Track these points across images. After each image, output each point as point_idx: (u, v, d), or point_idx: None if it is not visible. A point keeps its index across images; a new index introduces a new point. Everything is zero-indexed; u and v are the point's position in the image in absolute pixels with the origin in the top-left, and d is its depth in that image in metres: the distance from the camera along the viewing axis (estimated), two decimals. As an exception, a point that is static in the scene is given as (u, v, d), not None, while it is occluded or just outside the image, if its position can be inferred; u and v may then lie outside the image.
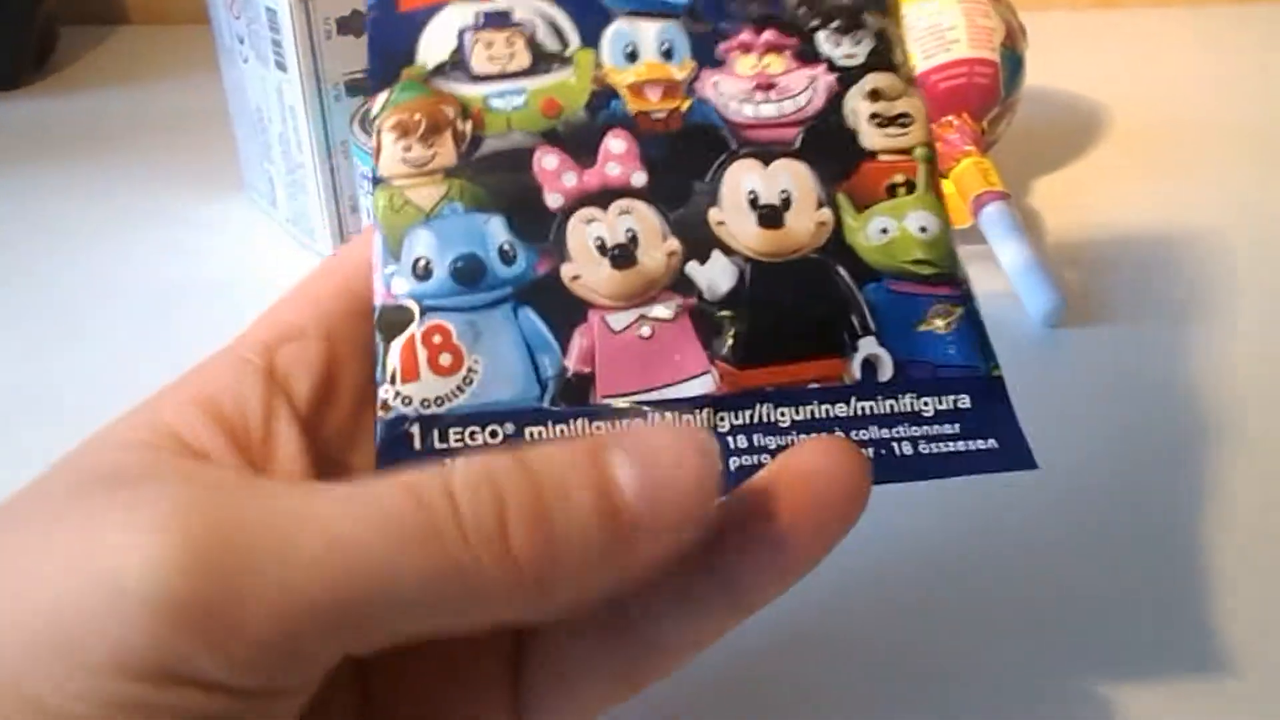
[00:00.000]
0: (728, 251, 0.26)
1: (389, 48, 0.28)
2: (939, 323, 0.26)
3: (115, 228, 0.61)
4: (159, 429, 0.22)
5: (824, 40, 0.28)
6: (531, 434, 0.24)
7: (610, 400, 0.25)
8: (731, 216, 0.27)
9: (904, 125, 0.28)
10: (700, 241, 0.26)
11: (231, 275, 0.56)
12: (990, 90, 0.56)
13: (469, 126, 0.27)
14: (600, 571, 0.20)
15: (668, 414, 0.25)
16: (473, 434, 0.24)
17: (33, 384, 0.48)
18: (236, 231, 0.61)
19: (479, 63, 0.28)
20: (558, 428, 0.24)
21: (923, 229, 0.27)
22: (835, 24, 0.28)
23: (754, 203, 0.27)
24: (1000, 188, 0.54)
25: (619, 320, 0.25)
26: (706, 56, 0.28)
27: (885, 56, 0.29)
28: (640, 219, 0.26)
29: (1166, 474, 0.41)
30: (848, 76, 0.28)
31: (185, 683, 0.18)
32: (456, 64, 0.28)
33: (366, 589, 0.19)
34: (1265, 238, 0.56)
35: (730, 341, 0.25)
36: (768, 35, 0.28)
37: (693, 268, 0.26)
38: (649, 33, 0.28)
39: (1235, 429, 0.43)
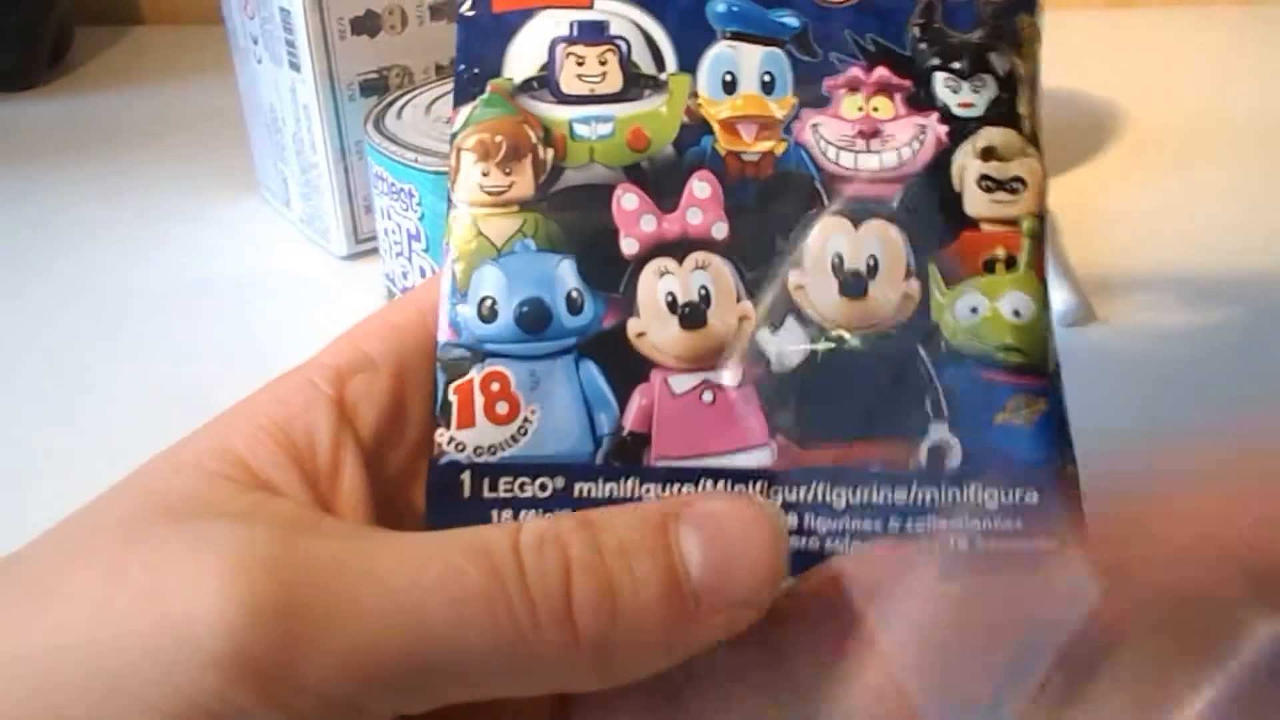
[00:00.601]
0: (803, 321, 0.24)
1: (478, 53, 0.26)
2: (1018, 415, 0.24)
3: (129, 227, 0.61)
4: (227, 457, 0.22)
5: (941, 83, 0.25)
6: (580, 490, 0.23)
7: (664, 462, 0.24)
8: (812, 281, 0.24)
9: (1015, 191, 0.25)
10: (775, 306, 0.24)
11: (245, 275, 0.56)
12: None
13: (550, 155, 0.25)
14: (658, 647, 0.20)
15: (729, 485, 0.23)
16: (522, 485, 0.23)
17: (48, 382, 0.48)
18: (250, 231, 0.60)
19: (568, 81, 0.25)
20: (608, 486, 0.23)
21: (1016, 312, 0.24)
22: (957, 65, 0.25)
23: (838, 267, 0.24)
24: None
25: (681, 383, 0.24)
26: (810, 92, 0.25)
27: (1008, 107, 0.25)
28: (716, 275, 0.24)
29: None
30: (961, 129, 0.25)
31: None
32: (544, 80, 0.26)
33: (429, 650, 0.18)
34: None
35: (794, 417, 0.24)
36: (880, 73, 0.25)
37: (764, 335, 0.24)
38: (752, 59, 0.26)
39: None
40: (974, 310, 0.24)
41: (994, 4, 0.26)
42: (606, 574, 0.19)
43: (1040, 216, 0.25)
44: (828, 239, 0.25)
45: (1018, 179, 0.25)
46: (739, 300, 0.24)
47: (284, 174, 0.58)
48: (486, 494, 0.23)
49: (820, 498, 0.24)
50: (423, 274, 0.47)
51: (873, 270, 0.24)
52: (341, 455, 0.23)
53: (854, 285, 0.24)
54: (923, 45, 0.26)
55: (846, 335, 0.24)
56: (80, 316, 0.53)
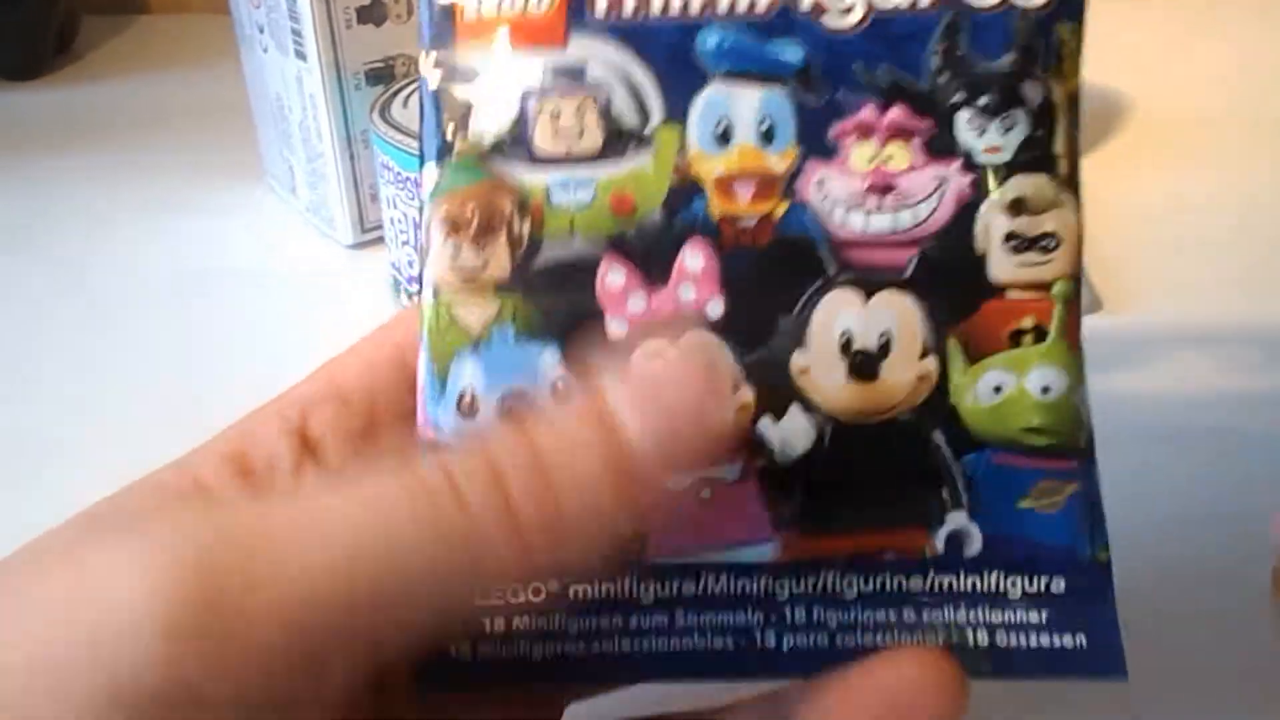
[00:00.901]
0: (808, 407, 0.22)
1: (444, 103, 0.23)
2: (1045, 500, 0.22)
3: (135, 216, 0.60)
4: (187, 482, 0.22)
5: (965, 124, 0.22)
6: (576, 591, 0.22)
7: (660, 560, 0.22)
8: (818, 363, 0.22)
9: (1047, 250, 0.22)
10: (778, 392, 0.22)
11: (251, 264, 0.56)
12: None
13: (526, 227, 0.22)
14: (611, 521, 0.19)
15: (733, 579, 0.22)
16: (515, 591, 0.22)
17: (53, 372, 0.48)
18: (256, 220, 0.60)
19: (543, 139, 0.23)
20: (605, 586, 0.22)
21: (1045, 389, 0.22)
22: (983, 100, 0.22)
23: (846, 347, 0.22)
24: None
25: (675, 480, 0.22)
26: (815, 141, 0.22)
27: (1041, 147, 0.22)
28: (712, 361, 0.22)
29: (1191, 466, 0.40)
30: (987, 178, 0.22)
31: (182, 709, 0.17)
32: (517, 139, 0.23)
33: (370, 578, 0.18)
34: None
35: (799, 510, 0.22)
36: (895, 114, 0.22)
37: (765, 424, 0.22)
38: (749, 104, 0.22)
39: (1261, 421, 0.42)
40: (998, 389, 0.22)
41: (1031, 14, 0.22)
42: (547, 474, 0.19)
43: (1077, 279, 0.22)
44: (835, 315, 0.22)
45: (1050, 235, 0.22)
46: (737, 388, 0.22)
47: (290, 163, 0.58)
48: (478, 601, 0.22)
49: (830, 588, 0.22)
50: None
51: (885, 349, 0.22)
52: (302, 482, 0.22)
53: (864, 367, 0.22)
54: (943, 77, 0.22)
55: (856, 424, 0.22)
56: (85, 304, 0.53)
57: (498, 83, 0.23)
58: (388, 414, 0.24)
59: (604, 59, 0.23)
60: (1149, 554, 0.36)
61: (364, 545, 0.18)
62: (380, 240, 0.54)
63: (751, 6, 0.22)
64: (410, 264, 0.48)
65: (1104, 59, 0.74)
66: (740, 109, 0.22)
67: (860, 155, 0.22)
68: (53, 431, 0.44)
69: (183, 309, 0.52)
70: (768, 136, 0.22)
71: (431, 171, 0.23)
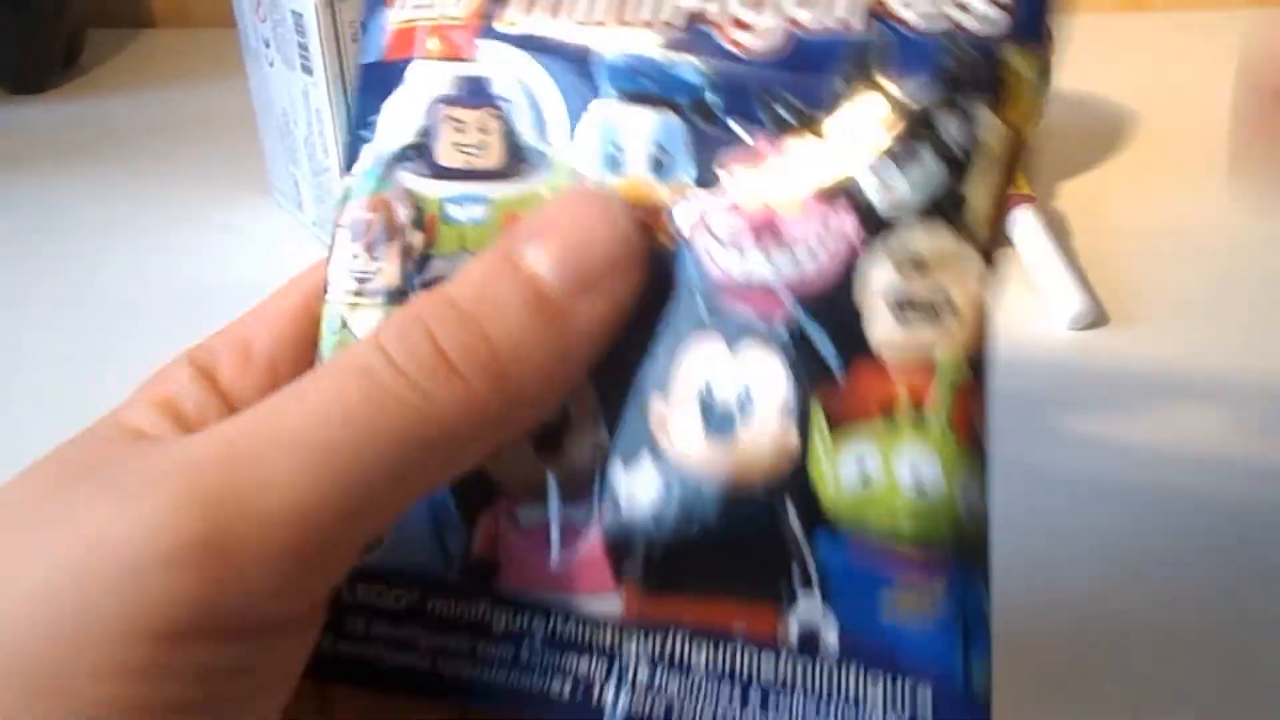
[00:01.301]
0: (659, 459, 0.20)
1: (366, 109, 0.23)
2: (909, 606, 0.19)
3: (141, 231, 0.60)
4: (120, 428, 0.22)
5: (862, 165, 0.20)
6: (434, 605, 0.22)
7: (514, 593, 0.21)
8: (676, 413, 0.20)
9: (936, 315, 0.19)
10: (632, 439, 0.21)
11: (257, 278, 0.56)
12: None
13: (420, 239, 0.22)
14: (553, 356, 0.20)
15: (581, 626, 0.21)
16: (379, 592, 0.22)
17: (60, 385, 0.48)
18: (262, 235, 0.60)
19: (444, 151, 0.22)
20: (460, 606, 0.22)
21: (919, 486, 0.19)
22: (883, 141, 0.19)
23: (706, 401, 0.20)
24: (1027, 190, 0.53)
25: (527, 515, 0.21)
26: (704, 173, 0.21)
27: (948, 192, 0.19)
28: (575, 396, 0.21)
29: (1194, 479, 0.40)
30: (879, 226, 0.19)
31: (201, 636, 0.17)
32: (421, 149, 0.22)
33: (345, 470, 0.18)
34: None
35: (642, 564, 0.20)
36: (786, 146, 0.20)
37: (615, 470, 0.21)
38: (642, 129, 0.21)
39: (1267, 431, 0.42)
40: (864, 475, 0.19)
41: (964, 34, 0.20)
42: (470, 318, 0.19)
43: (974, 360, 0.19)
44: (700, 364, 0.20)
45: (944, 299, 0.19)
46: (596, 427, 0.21)
47: (296, 177, 0.58)
48: (345, 598, 0.22)
49: (676, 654, 0.20)
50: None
51: (744, 408, 0.20)
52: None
53: (721, 424, 0.20)
54: (848, 109, 0.20)
55: (705, 484, 0.20)
56: (91, 319, 0.53)
57: (409, 90, 0.23)
58: (286, 371, 0.24)
59: (511, 72, 0.22)
60: (1141, 560, 0.36)
61: (331, 441, 0.18)
62: (386, 254, 0.54)
63: (661, 18, 0.21)
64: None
65: (1110, 73, 0.74)
66: (633, 133, 0.21)
67: (745, 191, 0.20)
68: (54, 443, 0.44)
69: (188, 323, 0.52)
70: (659, 166, 0.21)
71: (344, 180, 0.23)
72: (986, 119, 0.19)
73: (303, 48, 0.52)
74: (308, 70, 0.52)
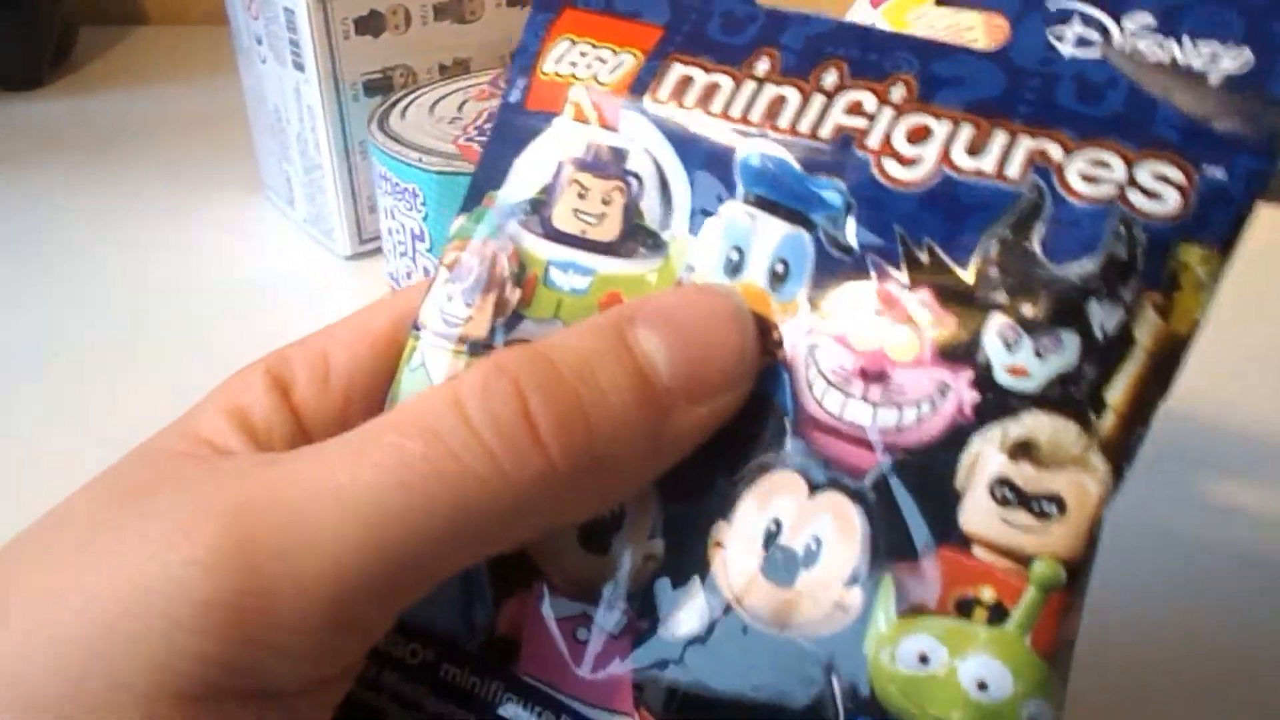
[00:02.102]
0: (709, 587, 0.19)
1: (496, 152, 0.22)
2: None
3: (133, 228, 0.60)
4: (192, 438, 0.21)
5: (994, 331, 0.18)
6: (447, 671, 0.21)
7: (530, 679, 0.20)
8: (736, 543, 0.19)
9: (1044, 516, 0.17)
10: (686, 559, 0.19)
11: (249, 275, 0.55)
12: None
13: (516, 296, 0.21)
14: (643, 454, 0.19)
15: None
16: (395, 642, 0.21)
17: (51, 383, 0.47)
18: (254, 231, 0.59)
19: (562, 213, 0.21)
20: (473, 679, 0.21)
21: (982, 685, 0.17)
22: (1027, 309, 0.18)
23: (770, 538, 0.19)
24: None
25: (560, 608, 0.20)
26: (824, 297, 0.19)
27: (1084, 389, 0.17)
28: (636, 498, 0.20)
29: (1211, 486, 0.40)
30: (999, 403, 0.18)
31: (230, 697, 0.17)
32: (539, 206, 0.21)
33: (400, 542, 0.17)
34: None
35: (665, 696, 0.19)
36: (921, 296, 0.18)
37: (662, 587, 0.19)
38: (769, 238, 0.20)
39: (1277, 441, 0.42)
40: (923, 660, 0.17)
41: (1139, 220, 0.18)
42: (571, 390, 0.18)
43: (1073, 568, 0.17)
44: (771, 497, 0.19)
45: (1054, 499, 0.17)
46: (650, 537, 0.20)
47: (288, 174, 0.58)
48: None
49: None
50: (426, 274, 0.47)
51: (811, 557, 0.18)
52: (298, 444, 0.22)
53: (781, 568, 0.19)
54: (993, 269, 0.18)
55: (752, 625, 0.19)
56: (83, 316, 0.53)
57: (543, 146, 0.22)
58: (361, 395, 0.23)
59: (647, 150, 0.21)
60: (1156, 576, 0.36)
61: (386, 507, 0.17)
62: (378, 251, 0.54)
63: (814, 130, 0.20)
64: (408, 275, 0.48)
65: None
66: (759, 240, 0.20)
67: (862, 329, 0.19)
68: (49, 440, 0.44)
69: (179, 320, 0.52)
70: (778, 280, 0.20)
71: (459, 219, 0.22)
72: (1146, 314, 0.17)
73: (294, 44, 0.52)
74: (299, 67, 0.52)
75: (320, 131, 0.53)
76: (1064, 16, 0.19)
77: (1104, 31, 0.19)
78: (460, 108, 0.50)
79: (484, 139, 0.46)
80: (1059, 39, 0.19)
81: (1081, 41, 0.19)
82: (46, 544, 0.19)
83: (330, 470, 0.18)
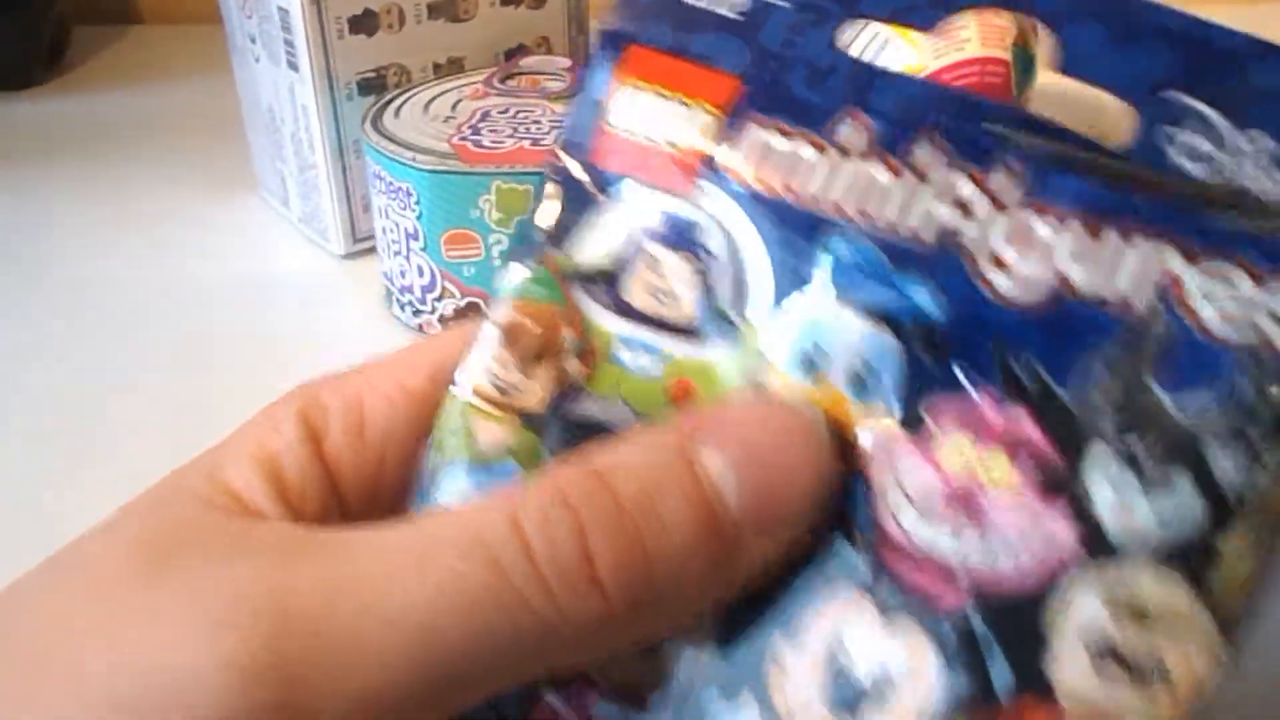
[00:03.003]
0: (764, 706, 0.18)
1: (554, 204, 0.21)
2: None
3: (127, 227, 0.60)
4: (218, 485, 0.20)
5: (1099, 465, 0.16)
6: None
7: None
8: (798, 665, 0.17)
9: (1144, 681, 0.15)
10: (741, 673, 0.18)
11: (244, 275, 0.55)
12: (1002, 89, 0.56)
13: (576, 369, 0.20)
14: (703, 590, 0.18)
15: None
16: None
17: (46, 383, 0.47)
18: (249, 231, 0.59)
19: (634, 287, 0.20)
20: None
21: None
22: (1139, 445, 0.16)
23: (836, 664, 0.17)
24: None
25: (604, 711, 0.19)
26: (911, 409, 0.18)
27: (1201, 544, 0.16)
28: None
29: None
30: (1101, 549, 0.16)
31: None
32: (609, 276, 0.20)
33: (446, 667, 0.17)
34: None
35: None
36: (1016, 420, 0.17)
37: (711, 698, 0.18)
38: (853, 338, 0.18)
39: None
40: None
41: (1277, 358, 0.16)
42: (631, 527, 0.17)
43: None
44: (839, 622, 0.17)
45: (1157, 663, 0.16)
46: (704, 640, 0.19)
47: (282, 173, 0.58)
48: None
49: None
50: (420, 273, 0.47)
51: (877, 691, 0.17)
52: (327, 496, 0.21)
53: (846, 698, 0.17)
54: (1100, 396, 0.16)
55: None
56: (77, 316, 0.53)
57: (614, 211, 0.20)
58: (396, 453, 0.22)
59: (726, 226, 0.19)
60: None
61: (436, 633, 0.17)
62: (372, 250, 0.54)
63: (907, 222, 0.18)
64: (402, 274, 0.48)
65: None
66: (840, 339, 0.18)
67: (954, 451, 0.17)
68: (46, 443, 0.44)
69: (175, 320, 0.52)
70: (858, 385, 0.18)
71: (515, 269, 0.21)
72: (1273, 462, 0.16)
73: (289, 44, 0.52)
74: (294, 66, 0.52)
75: (314, 131, 0.53)
76: (1175, 116, 0.17)
77: (1218, 141, 0.17)
78: (454, 107, 0.50)
79: (481, 140, 0.46)
80: (1170, 141, 0.17)
81: (1192, 154, 0.17)
82: (64, 611, 0.18)
83: (384, 585, 0.17)
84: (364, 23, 0.52)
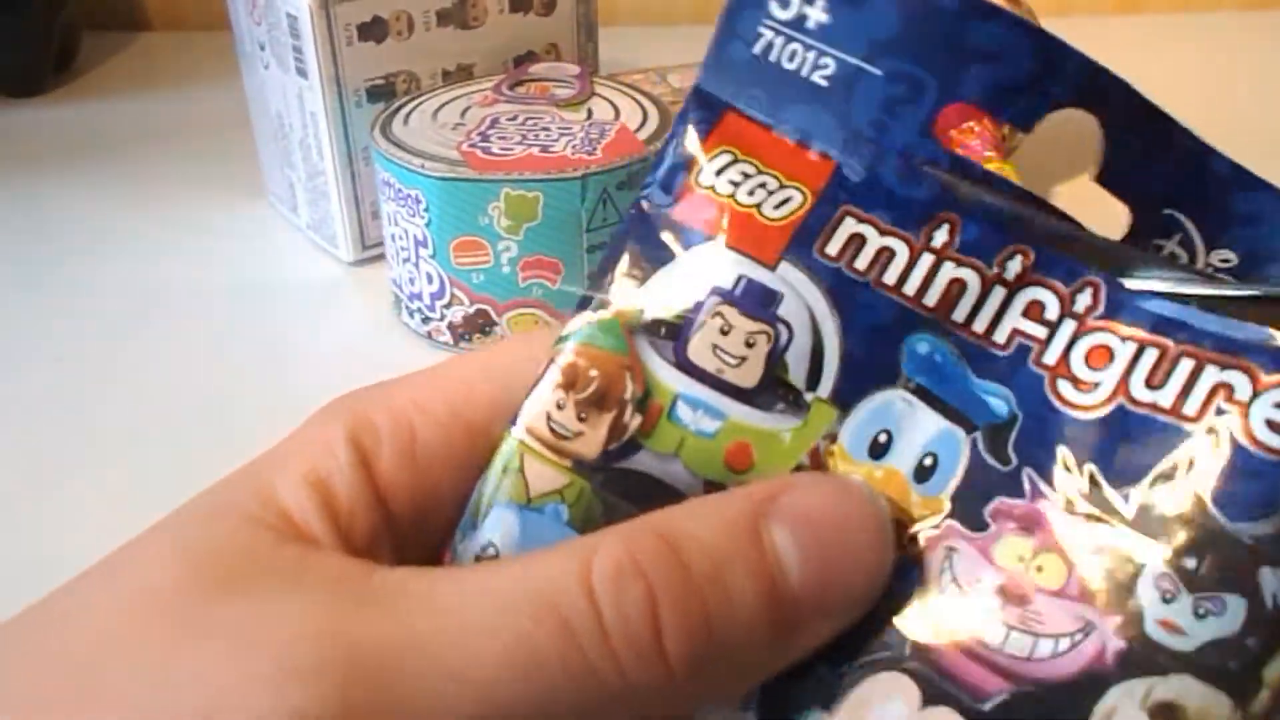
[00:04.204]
0: None
1: (632, 259, 0.20)
2: None
3: (135, 234, 0.60)
4: (269, 504, 0.20)
5: (1153, 573, 0.16)
6: None
7: None
8: None
9: None
10: None
11: (253, 281, 0.55)
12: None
13: (635, 423, 0.20)
14: (759, 663, 0.18)
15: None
16: None
17: (55, 388, 0.47)
18: (258, 238, 0.60)
19: (699, 346, 0.20)
20: None
21: None
22: (1189, 560, 0.16)
23: None
24: (1022, 193, 0.54)
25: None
26: (970, 506, 0.18)
27: (1242, 662, 0.16)
28: None
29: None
30: (1145, 659, 0.16)
31: None
32: (675, 330, 0.20)
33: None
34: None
35: None
36: (1075, 525, 0.17)
37: None
38: (923, 430, 0.19)
39: None
40: None
41: None
42: (699, 598, 0.17)
43: None
44: (879, 701, 0.18)
45: None
46: (744, 708, 0.19)
47: (291, 180, 0.58)
48: None
49: None
50: (429, 280, 0.47)
51: None
52: (379, 523, 0.21)
53: None
54: (1157, 512, 0.17)
55: None
56: (86, 323, 0.53)
57: (686, 267, 0.20)
58: (449, 483, 0.22)
59: (804, 300, 0.19)
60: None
61: (504, 694, 0.17)
62: (381, 257, 0.54)
63: (989, 331, 0.19)
64: (411, 280, 0.48)
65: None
66: (912, 429, 0.19)
67: (1009, 550, 0.18)
68: (51, 448, 0.44)
69: (183, 326, 0.52)
70: (923, 474, 0.19)
71: (582, 316, 0.21)
72: None
73: (297, 50, 0.52)
74: (302, 73, 0.52)
75: (323, 137, 0.53)
76: (1169, 229, 0.20)
77: (1193, 254, 0.19)
78: (463, 114, 0.50)
79: (490, 147, 0.46)
80: (1158, 250, 0.19)
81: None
82: (115, 633, 0.18)
83: (455, 642, 0.17)
84: (373, 30, 0.52)
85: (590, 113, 0.50)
